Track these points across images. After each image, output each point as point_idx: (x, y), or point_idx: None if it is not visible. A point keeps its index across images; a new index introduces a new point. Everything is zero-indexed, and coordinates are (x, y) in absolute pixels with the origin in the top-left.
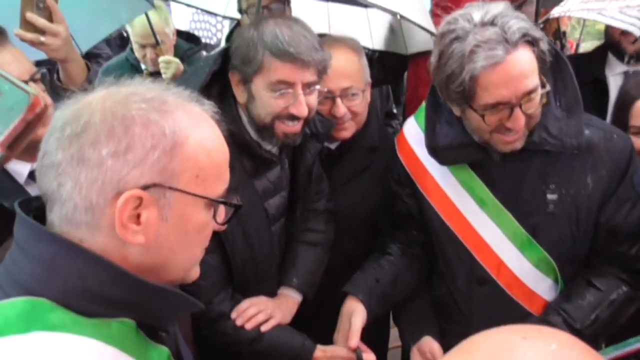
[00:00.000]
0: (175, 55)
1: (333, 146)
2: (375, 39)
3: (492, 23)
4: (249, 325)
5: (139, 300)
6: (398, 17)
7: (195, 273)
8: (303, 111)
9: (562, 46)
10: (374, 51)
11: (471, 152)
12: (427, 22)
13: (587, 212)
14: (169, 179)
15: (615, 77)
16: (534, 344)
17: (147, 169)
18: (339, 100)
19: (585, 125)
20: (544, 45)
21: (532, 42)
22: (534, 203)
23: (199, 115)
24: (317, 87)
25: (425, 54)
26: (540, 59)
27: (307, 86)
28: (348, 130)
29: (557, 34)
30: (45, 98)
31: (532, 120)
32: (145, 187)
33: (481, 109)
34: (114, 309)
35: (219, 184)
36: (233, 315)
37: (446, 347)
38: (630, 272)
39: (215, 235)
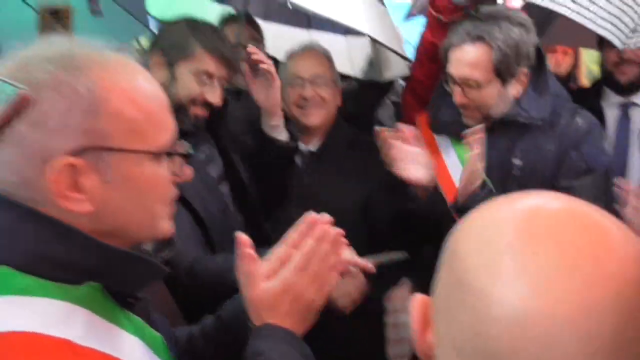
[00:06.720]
0: None
1: (314, 148)
2: (355, 65)
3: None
4: None
5: (103, 266)
6: (368, 37)
7: (163, 229)
8: (218, 100)
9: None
10: (354, 79)
11: (460, 125)
12: (402, 49)
13: (549, 178)
14: (99, 139)
15: (611, 108)
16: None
17: (69, 133)
18: (307, 84)
19: (572, 111)
20: (497, 54)
21: (490, 45)
22: (502, 170)
23: (117, 63)
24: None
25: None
26: (497, 60)
27: (221, 79)
28: (315, 116)
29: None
30: None
31: (483, 108)
32: (75, 153)
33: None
34: (80, 275)
35: (160, 134)
36: None
37: None
38: None
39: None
